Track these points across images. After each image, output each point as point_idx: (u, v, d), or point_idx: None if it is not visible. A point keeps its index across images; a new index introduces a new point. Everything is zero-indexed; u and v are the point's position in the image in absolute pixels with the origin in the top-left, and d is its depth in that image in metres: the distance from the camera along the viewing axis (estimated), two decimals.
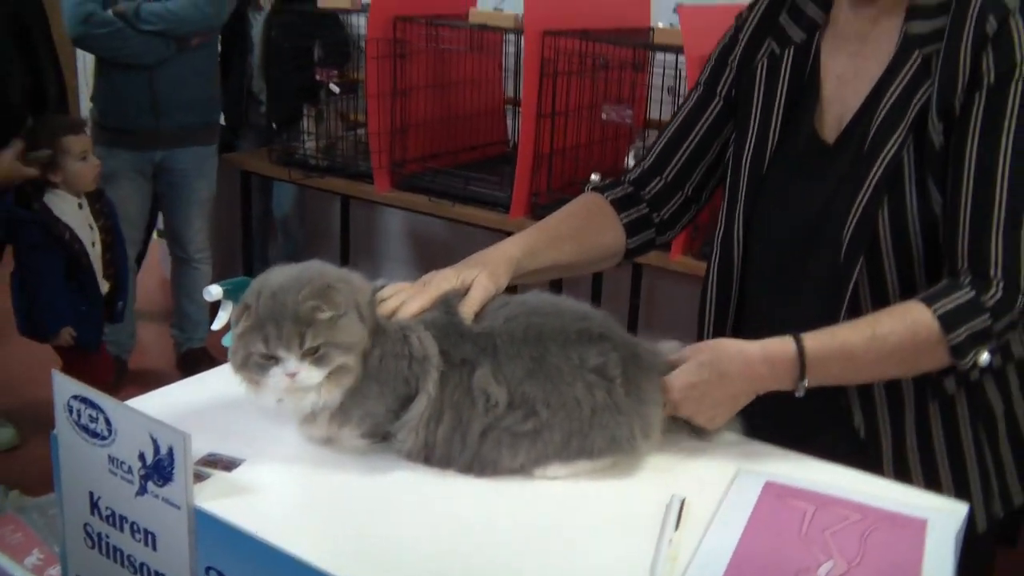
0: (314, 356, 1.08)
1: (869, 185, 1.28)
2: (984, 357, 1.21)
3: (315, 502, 1.08)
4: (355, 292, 1.13)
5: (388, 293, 1.20)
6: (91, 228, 3.36)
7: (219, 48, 4.24)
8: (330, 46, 3.80)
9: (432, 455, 1.13)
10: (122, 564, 1.09)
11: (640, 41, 3.09)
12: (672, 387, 1.20)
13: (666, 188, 1.52)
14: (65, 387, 1.08)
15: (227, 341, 1.33)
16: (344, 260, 4.81)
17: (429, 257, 4.73)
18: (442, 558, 0.98)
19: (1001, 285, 1.20)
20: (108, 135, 3.75)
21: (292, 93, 3.98)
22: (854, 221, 1.29)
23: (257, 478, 1.09)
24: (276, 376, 1.08)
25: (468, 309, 1.17)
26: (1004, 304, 1.20)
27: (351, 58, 4.08)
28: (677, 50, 2.83)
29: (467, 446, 1.12)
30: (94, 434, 1.06)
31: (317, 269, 1.16)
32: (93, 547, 1.12)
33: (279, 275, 1.14)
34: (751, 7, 1.47)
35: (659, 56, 3.11)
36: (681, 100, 1.54)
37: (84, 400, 1.06)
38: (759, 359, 1.20)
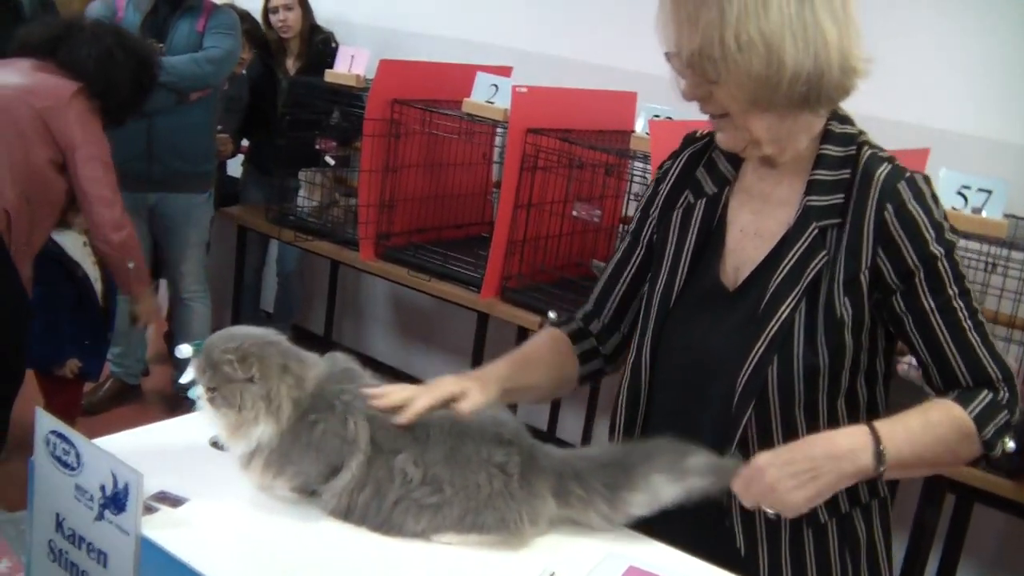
0: (209, 394, 1.33)
1: (764, 340, 1.46)
2: (1011, 445, 1.47)
3: (245, 539, 1.28)
4: (285, 379, 1.33)
5: (394, 391, 1.40)
6: (93, 265, 3.59)
7: (245, 100, 4.55)
8: (345, 117, 4.02)
9: (351, 515, 1.34)
10: None
11: (614, 147, 3.31)
12: (766, 476, 1.36)
13: (605, 328, 1.71)
14: (45, 422, 1.28)
15: (192, 394, 1.54)
16: (329, 318, 5.02)
17: (410, 323, 4.93)
18: None
19: (1005, 387, 1.46)
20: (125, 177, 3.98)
21: (299, 156, 4.21)
22: (749, 370, 1.46)
23: (198, 516, 1.29)
24: (197, 389, 1.35)
25: (464, 408, 1.40)
26: (1013, 400, 1.46)
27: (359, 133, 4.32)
28: (647, 157, 3.05)
29: (381, 511, 1.32)
30: (65, 464, 1.26)
31: (271, 342, 1.36)
32: (55, 561, 1.31)
33: (242, 329, 1.38)
34: (674, 158, 1.65)
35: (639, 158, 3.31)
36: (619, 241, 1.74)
37: (60, 435, 1.26)
38: (844, 449, 1.38)
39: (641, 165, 3.18)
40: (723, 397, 1.49)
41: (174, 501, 1.31)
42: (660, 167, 1.68)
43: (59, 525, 1.29)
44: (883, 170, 1.45)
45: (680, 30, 1.41)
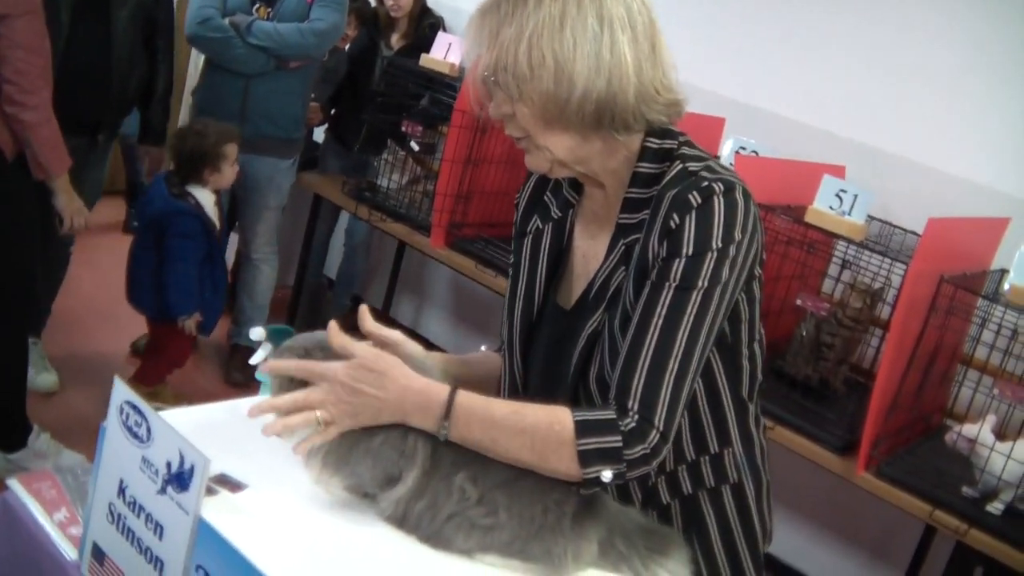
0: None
1: (577, 350, 1.53)
2: (607, 475, 1.37)
3: (299, 534, 1.31)
4: None
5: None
6: (216, 223, 3.74)
7: (345, 71, 4.61)
8: (435, 103, 4.06)
9: (405, 523, 1.37)
10: (131, 543, 1.33)
11: None
12: (333, 372, 1.37)
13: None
14: (122, 392, 1.32)
15: (260, 377, 1.58)
16: (389, 294, 5.08)
17: (468, 311, 4.97)
18: None
19: (636, 417, 1.38)
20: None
21: (381, 135, 4.25)
22: (572, 378, 1.55)
23: (255, 503, 1.33)
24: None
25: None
26: (636, 435, 1.37)
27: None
28: None
29: (434, 523, 1.36)
30: (136, 436, 1.30)
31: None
32: (112, 523, 1.36)
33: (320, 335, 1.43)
34: (524, 185, 1.70)
35: None
36: None
37: (134, 407, 1.30)
38: (416, 390, 1.38)
39: None
40: (568, 395, 1.56)
41: (234, 486, 1.34)
42: (517, 193, 1.73)
43: (122, 491, 1.34)
44: (684, 184, 1.43)
45: (482, 45, 1.44)
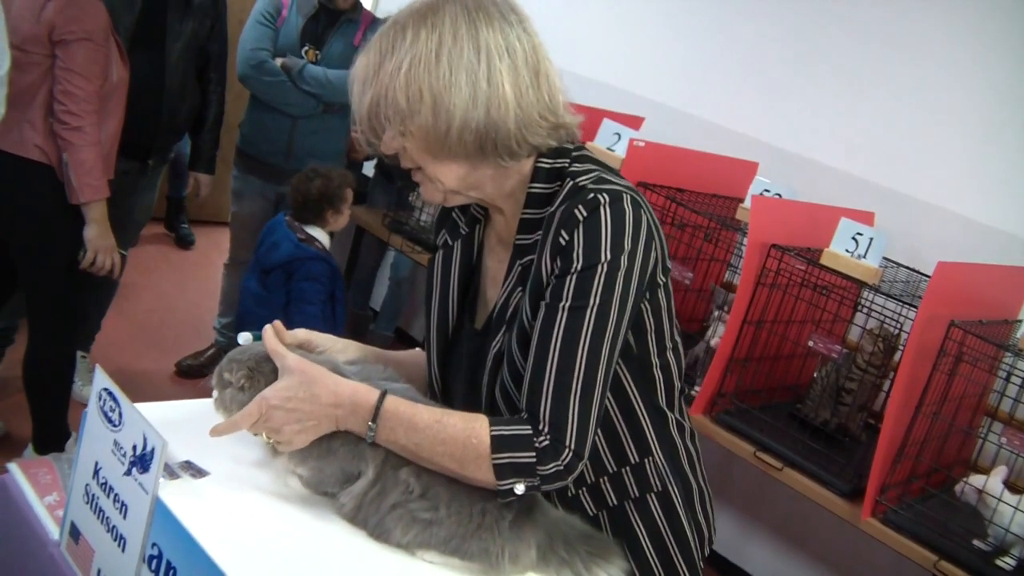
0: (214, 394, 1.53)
1: (486, 368, 1.58)
2: (520, 488, 1.40)
3: (250, 522, 1.39)
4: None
5: None
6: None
7: None
8: None
9: (356, 517, 1.44)
10: (102, 522, 1.42)
11: (717, 214, 3.35)
12: (267, 396, 1.43)
13: None
14: (100, 379, 1.42)
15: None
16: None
17: None
18: None
19: (549, 436, 1.41)
20: (244, 161, 4.23)
21: None
22: (484, 395, 1.59)
23: (213, 490, 1.41)
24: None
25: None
26: (549, 452, 1.40)
27: None
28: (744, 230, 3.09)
29: (379, 513, 1.42)
30: (110, 420, 1.39)
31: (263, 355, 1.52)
32: (88, 504, 1.45)
33: (255, 347, 1.54)
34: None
35: (740, 229, 3.35)
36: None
37: (110, 393, 1.39)
38: (347, 396, 1.43)
39: (743, 239, 3.22)
40: (486, 408, 1.59)
41: (196, 472, 1.43)
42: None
43: (96, 473, 1.43)
44: (571, 201, 1.46)
45: (366, 82, 1.47)
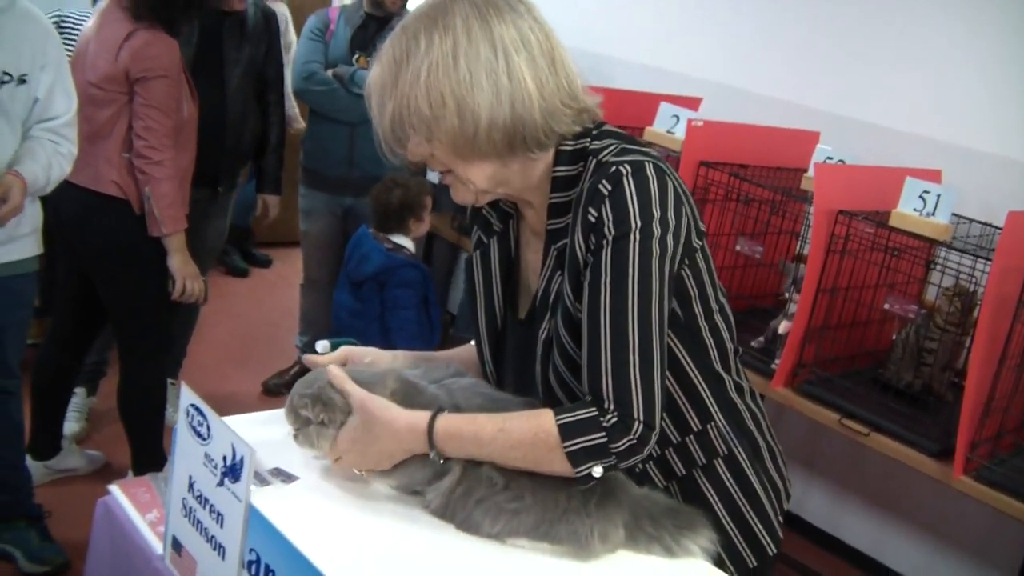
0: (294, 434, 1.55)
1: (537, 357, 1.60)
2: (597, 470, 1.41)
3: (342, 522, 1.44)
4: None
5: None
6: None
7: None
8: None
9: (444, 511, 1.48)
10: (200, 533, 1.47)
11: (782, 186, 3.34)
12: (338, 443, 1.49)
13: None
14: (187, 396, 1.48)
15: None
16: None
17: None
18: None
19: (616, 413, 1.40)
20: (309, 177, 4.31)
21: None
22: (539, 385, 1.60)
23: (303, 494, 1.47)
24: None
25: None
26: (618, 429, 1.40)
27: None
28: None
29: (466, 508, 1.46)
30: (199, 434, 1.45)
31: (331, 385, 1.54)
32: (186, 517, 1.51)
33: (317, 374, 1.57)
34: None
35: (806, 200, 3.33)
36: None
37: (197, 408, 1.45)
38: (404, 428, 1.46)
39: (810, 208, 3.20)
40: (541, 398, 1.61)
41: (286, 477, 1.49)
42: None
43: (191, 486, 1.49)
44: (595, 178, 1.46)
45: (386, 94, 1.47)
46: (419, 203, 3.86)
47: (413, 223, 3.86)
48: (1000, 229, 3.10)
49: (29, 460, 3.39)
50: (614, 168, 1.46)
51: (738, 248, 3.31)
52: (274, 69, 3.94)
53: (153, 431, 3.50)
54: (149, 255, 3.26)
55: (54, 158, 2.73)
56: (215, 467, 1.42)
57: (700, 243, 1.55)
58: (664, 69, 4.44)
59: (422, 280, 3.84)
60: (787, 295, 3.26)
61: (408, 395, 1.52)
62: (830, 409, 2.98)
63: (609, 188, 1.45)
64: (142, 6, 3.09)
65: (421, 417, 1.46)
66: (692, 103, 3.85)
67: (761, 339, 3.25)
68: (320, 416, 1.49)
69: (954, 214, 2.94)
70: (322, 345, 1.74)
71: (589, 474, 1.42)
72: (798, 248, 3.57)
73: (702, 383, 1.61)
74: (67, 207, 3.24)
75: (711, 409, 1.62)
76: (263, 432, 1.59)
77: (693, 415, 1.61)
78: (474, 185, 1.53)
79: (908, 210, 2.86)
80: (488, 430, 1.44)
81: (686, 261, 1.52)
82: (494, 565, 1.41)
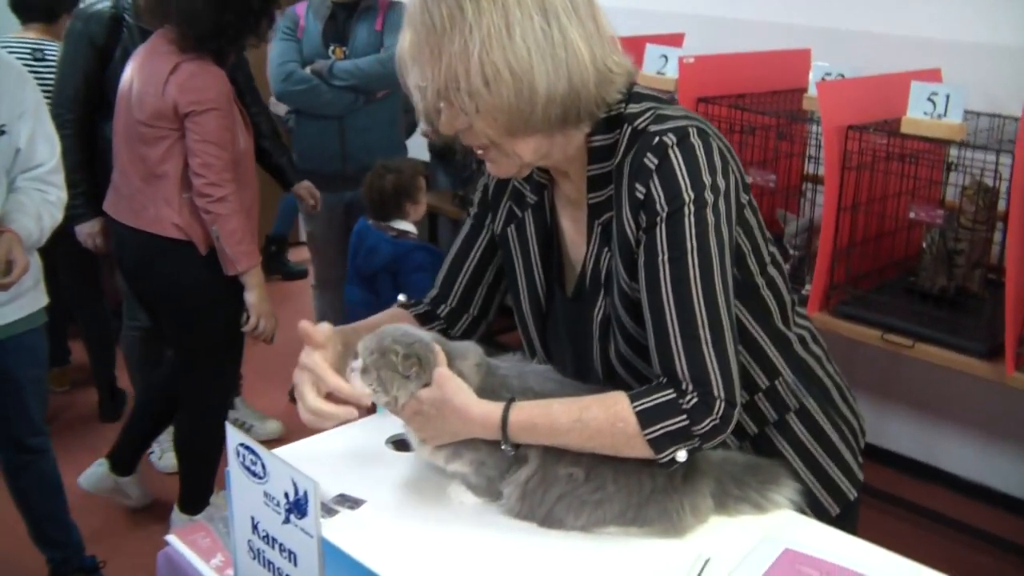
0: (366, 371, 1.42)
1: (594, 337, 1.53)
2: (681, 455, 1.35)
3: (420, 540, 1.38)
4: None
5: None
6: None
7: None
8: None
9: (522, 509, 1.42)
10: (274, 574, 1.43)
11: (785, 110, 3.26)
12: (408, 406, 1.41)
13: (453, 311, 1.72)
14: (235, 436, 1.42)
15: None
16: None
17: None
18: None
19: (695, 394, 1.35)
20: (305, 177, 4.22)
21: None
22: (599, 364, 1.54)
23: (374, 518, 1.41)
24: (351, 364, 1.45)
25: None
26: (700, 409, 1.34)
27: None
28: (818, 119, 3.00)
29: (545, 504, 1.41)
30: (254, 474, 1.39)
31: (435, 345, 1.44)
32: (255, 559, 1.46)
33: (418, 332, 1.47)
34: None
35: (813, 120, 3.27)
36: None
37: (247, 448, 1.39)
38: (477, 418, 1.38)
39: (816, 128, 3.13)
40: (600, 376, 1.56)
41: (353, 503, 1.43)
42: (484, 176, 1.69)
43: (255, 527, 1.44)
44: (637, 147, 1.40)
45: (426, 64, 1.36)
46: (414, 185, 3.78)
47: (410, 206, 3.79)
48: (1009, 119, 3.05)
49: (101, 467, 3.40)
50: (657, 139, 1.39)
51: (750, 180, 3.24)
52: (242, 73, 3.82)
53: (210, 470, 3.46)
54: (216, 295, 3.19)
55: (43, 207, 2.65)
56: (278, 505, 1.37)
57: (747, 197, 1.49)
58: (642, 9, 4.34)
59: (433, 261, 3.76)
60: (790, 251, 3.20)
61: (489, 371, 1.45)
62: (870, 327, 2.94)
63: (656, 162, 1.38)
64: (190, 38, 2.99)
65: (494, 408, 1.39)
66: (675, 40, 3.78)
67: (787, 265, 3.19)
68: (410, 370, 1.40)
69: (965, 111, 2.86)
70: (357, 365, 1.68)
71: (673, 459, 1.37)
72: (809, 169, 3.51)
73: (765, 340, 1.55)
74: (129, 252, 3.18)
75: (777, 364, 1.57)
76: (317, 460, 1.53)
77: (760, 373, 1.56)
78: (520, 159, 1.44)
79: (919, 115, 2.80)
80: (563, 421, 1.37)
81: (737, 219, 1.46)
82: (587, 561, 1.35)
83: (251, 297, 3.19)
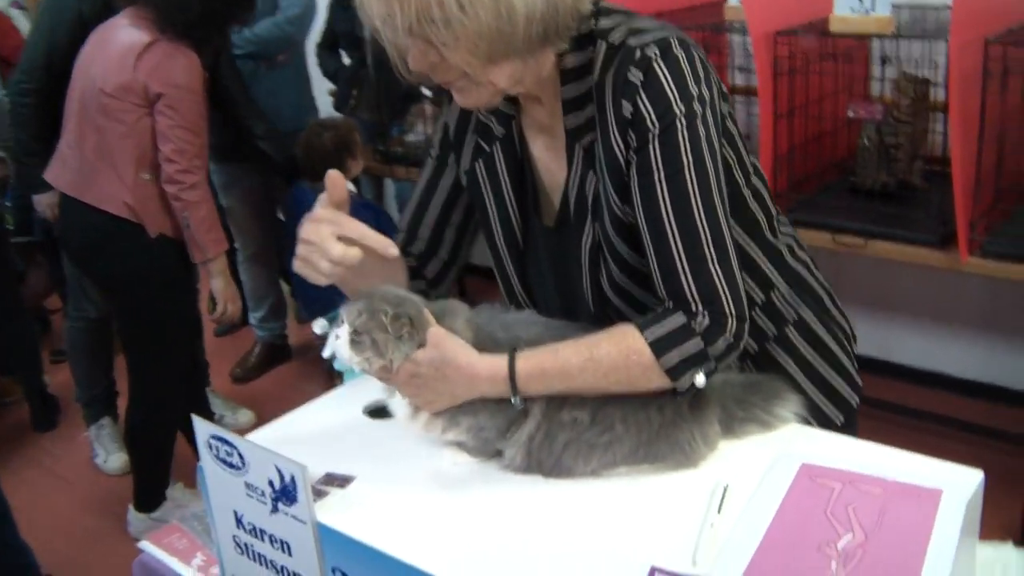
0: (356, 336, 1.29)
1: (584, 266, 1.46)
2: (700, 379, 1.30)
3: (418, 511, 1.28)
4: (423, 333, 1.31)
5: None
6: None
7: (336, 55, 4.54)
8: None
9: (528, 464, 1.34)
10: (266, 567, 1.33)
11: (708, 23, 3.20)
12: (398, 372, 1.30)
13: (423, 254, 1.63)
14: (204, 429, 1.31)
15: (339, 367, 1.56)
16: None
17: None
18: (522, 549, 1.19)
19: (706, 314, 1.30)
20: (215, 151, 4.04)
21: (392, 94, 4.20)
22: (590, 294, 1.47)
23: (368, 493, 1.31)
24: (332, 333, 1.32)
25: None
26: (713, 329, 1.30)
27: None
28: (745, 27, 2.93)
29: (552, 454, 1.32)
30: (231, 466, 1.29)
31: (422, 305, 1.34)
32: (242, 554, 1.36)
33: (404, 292, 1.35)
34: (446, 103, 1.56)
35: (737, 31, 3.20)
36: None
37: (220, 439, 1.29)
38: (483, 374, 1.30)
39: (740, 38, 3.07)
40: (589, 308, 1.49)
41: (342, 481, 1.33)
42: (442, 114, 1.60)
43: (239, 522, 1.33)
44: (617, 63, 1.32)
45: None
46: (352, 140, 3.70)
47: (351, 162, 3.70)
48: (930, 8, 3.02)
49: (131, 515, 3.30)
50: (640, 53, 1.30)
51: None
52: (229, 67, 3.60)
53: (166, 465, 3.33)
54: (166, 280, 3.07)
55: None
56: (263, 495, 1.27)
57: (727, 107, 1.42)
58: None
59: (378, 219, 3.69)
60: None
61: (477, 327, 1.35)
62: (820, 230, 2.91)
63: (641, 77, 1.30)
64: (177, 22, 2.85)
65: (499, 361, 1.30)
66: None
67: None
68: (401, 330, 1.29)
69: (893, 5, 2.82)
70: (320, 325, 1.57)
71: (692, 384, 1.31)
72: (738, 81, 3.45)
73: (756, 252, 1.50)
74: (74, 229, 3.04)
75: (770, 276, 1.52)
76: (292, 442, 1.43)
77: (755, 287, 1.51)
78: (493, 87, 1.34)
79: (846, 11, 2.74)
80: (575, 362, 1.29)
81: (721, 130, 1.39)
82: (604, 507, 1.27)
83: (218, 283, 3.13)
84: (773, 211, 1.54)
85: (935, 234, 2.76)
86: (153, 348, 3.16)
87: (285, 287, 4.54)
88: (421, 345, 1.30)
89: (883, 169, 3.04)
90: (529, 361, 1.30)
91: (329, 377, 3.92)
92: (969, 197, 2.62)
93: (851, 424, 1.60)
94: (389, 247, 1.34)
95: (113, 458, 3.72)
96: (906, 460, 1.32)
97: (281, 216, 4.32)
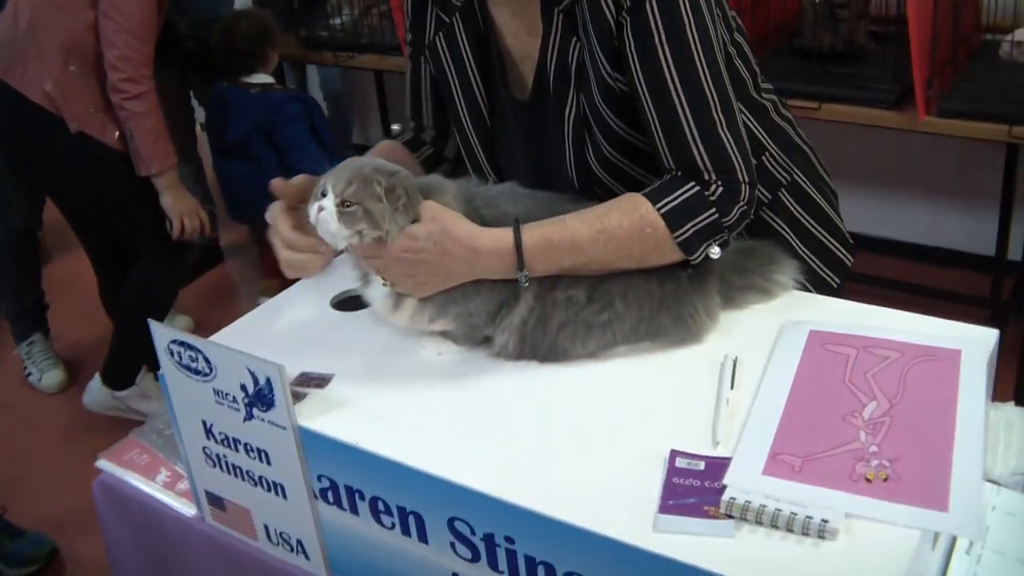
0: (345, 208, 1.16)
1: (567, 140, 1.36)
2: (715, 251, 1.23)
3: (408, 408, 1.18)
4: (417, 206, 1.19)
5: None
6: None
7: None
8: None
9: (522, 350, 1.24)
10: (242, 478, 1.23)
11: None
12: (393, 247, 1.18)
13: (437, 136, 1.56)
14: (163, 334, 1.19)
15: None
16: (386, 131, 4.87)
17: None
18: (524, 441, 1.10)
19: (719, 182, 1.23)
20: None
21: None
22: (573, 171, 1.38)
23: (349, 392, 1.20)
24: (313, 206, 1.18)
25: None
26: (726, 197, 1.23)
27: None
28: None
29: (546, 339, 1.22)
30: (196, 371, 1.17)
31: (414, 178, 1.22)
32: (214, 466, 1.25)
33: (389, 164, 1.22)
34: None
35: None
36: None
37: (182, 343, 1.17)
38: (486, 247, 1.19)
39: None
40: (570, 185, 1.40)
41: (319, 381, 1.21)
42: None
43: (208, 432, 1.23)
44: None
45: None
46: (270, 27, 3.50)
47: (271, 51, 3.50)
48: None
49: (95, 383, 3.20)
50: None
51: None
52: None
53: (142, 337, 3.15)
54: (107, 182, 2.89)
55: None
56: (234, 401, 1.16)
57: None
58: None
59: (307, 110, 3.51)
60: None
61: (467, 203, 1.24)
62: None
63: None
64: None
65: (503, 234, 1.19)
66: None
67: None
68: (397, 202, 1.17)
69: None
70: None
71: (706, 256, 1.23)
72: None
73: (746, 114, 1.39)
74: None
75: (761, 139, 1.44)
76: (260, 342, 1.30)
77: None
78: None
79: None
80: (584, 234, 1.19)
81: None
82: (610, 391, 1.19)
83: (167, 199, 2.92)
84: (756, 68, 1.45)
85: (892, 93, 2.68)
86: (130, 229, 3.06)
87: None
88: (415, 221, 1.18)
89: (828, 30, 2.93)
90: (535, 233, 1.19)
91: (266, 277, 3.78)
92: (926, 52, 2.54)
93: (846, 288, 1.53)
94: (319, 246, 1.23)
95: (48, 376, 3.54)
96: (917, 322, 1.25)
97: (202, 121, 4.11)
